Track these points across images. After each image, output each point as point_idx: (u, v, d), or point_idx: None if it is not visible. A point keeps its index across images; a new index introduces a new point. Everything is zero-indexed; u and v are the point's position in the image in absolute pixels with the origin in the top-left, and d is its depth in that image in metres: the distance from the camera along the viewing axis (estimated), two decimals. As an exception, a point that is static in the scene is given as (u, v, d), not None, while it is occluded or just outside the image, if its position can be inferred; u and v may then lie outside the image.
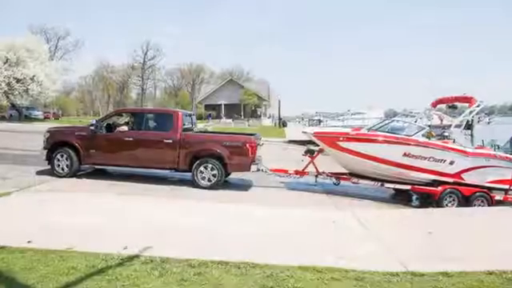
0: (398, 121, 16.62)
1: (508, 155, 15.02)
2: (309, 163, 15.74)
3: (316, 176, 15.55)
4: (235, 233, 8.62)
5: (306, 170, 15.64)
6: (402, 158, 14.13)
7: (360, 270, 6.77)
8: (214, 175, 14.16)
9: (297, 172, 15.65)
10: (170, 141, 14.30)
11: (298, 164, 16.31)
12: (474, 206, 14.14)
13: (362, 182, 15.15)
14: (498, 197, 14.43)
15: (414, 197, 15.26)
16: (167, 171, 14.68)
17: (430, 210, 13.23)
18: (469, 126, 15.72)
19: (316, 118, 69.88)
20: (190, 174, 14.35)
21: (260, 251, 7.49)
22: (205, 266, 6.56)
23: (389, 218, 11.14)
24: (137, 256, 6.82)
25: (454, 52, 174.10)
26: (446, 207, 14.00)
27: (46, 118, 61.47)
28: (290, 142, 37.29)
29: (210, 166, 14.17)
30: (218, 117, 79.73)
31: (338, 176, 15.49)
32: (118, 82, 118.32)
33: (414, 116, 18.09)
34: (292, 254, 7.48)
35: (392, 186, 14.86)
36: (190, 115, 16.11)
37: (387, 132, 14.75)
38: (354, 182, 15.27)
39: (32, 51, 50.34)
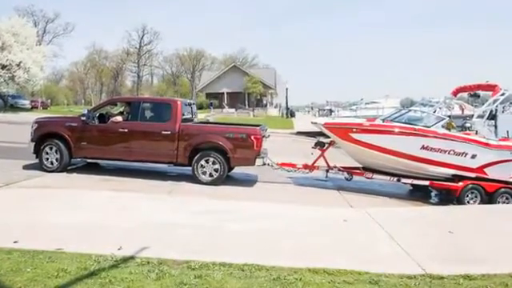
0: (415, 111, 16.58)
1: None
2: (319, 157, 15.72)
3: (327, 171, 15.54)
4: (239, 232, 8.62)
5: (315, 164, 15.63)
6: (420, 150, 14.09)
7: (374, 272, 6.76)
8: (215, 170, 14.14)
9: (306, 166, 15.64)
10: (169, 132, 14.27)
11: (307, 158, 16.29)
12: (498, 203, 14.11)
13: (377, 177, 15.14)
14: (524, 193, 14.38)
15: (433, 193, 15.26)
16: (165, 165, 14.67)
17: (450, 207, 13.23)
18: (492, 117, 15.65)
19: (327, 107, 69.94)
20: (189, 168, 14.35)
21: (266, 252, 7.49)
22: (206, 269, 6.56)
23: (405, 216, 11.13)
24: (132, 257, 6.82)
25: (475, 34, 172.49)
26: (468, 204, 13.98)
27: (33, 108, 61.52)
28: (299, 133, 37.33)
29: (211, 159, 14.16)
30: (221, 106, 79.65)
31: (350, 171, 15.48)
32: (112, 69, 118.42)
33: (433, 105, 18.04)
34: (300, 255, 7.49)
35: (409, 181, 14.84)
36: (189, 104, 16.08)
37: (404, 123, 14.71)
38: (367, 177, 15.26)
39: (18, 35, 50.29)
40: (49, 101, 79.48)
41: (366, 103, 57.90)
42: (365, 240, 8.58)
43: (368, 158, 14.99)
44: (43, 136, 14.66)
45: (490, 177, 14.24)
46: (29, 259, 6.49)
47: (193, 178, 14.16)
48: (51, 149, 14.50)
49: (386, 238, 8.74)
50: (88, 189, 12.17)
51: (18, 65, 49.39)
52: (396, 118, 15.32)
